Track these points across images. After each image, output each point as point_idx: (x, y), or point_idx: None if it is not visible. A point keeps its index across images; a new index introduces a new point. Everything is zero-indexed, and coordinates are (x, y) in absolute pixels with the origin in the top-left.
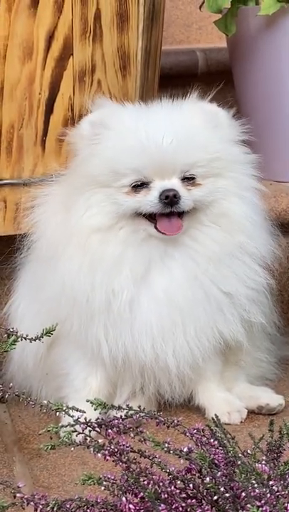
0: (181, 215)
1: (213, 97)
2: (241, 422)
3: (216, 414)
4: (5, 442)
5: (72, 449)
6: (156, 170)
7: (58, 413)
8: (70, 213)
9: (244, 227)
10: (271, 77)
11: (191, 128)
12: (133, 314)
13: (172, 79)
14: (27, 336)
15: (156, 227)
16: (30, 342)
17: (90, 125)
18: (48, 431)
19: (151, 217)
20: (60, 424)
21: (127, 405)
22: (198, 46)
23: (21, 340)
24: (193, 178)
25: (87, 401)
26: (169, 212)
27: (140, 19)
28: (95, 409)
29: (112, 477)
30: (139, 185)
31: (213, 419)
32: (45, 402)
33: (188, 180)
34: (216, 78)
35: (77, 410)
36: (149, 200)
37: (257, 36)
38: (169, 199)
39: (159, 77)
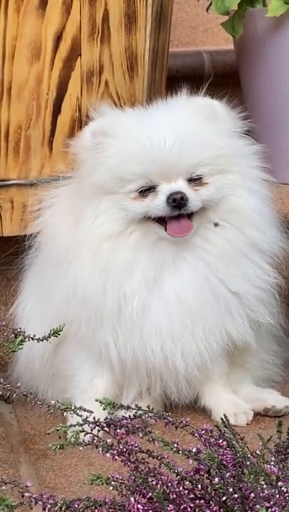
0: (190, 215)
1: (219, 98)
2: (247, 424)
3: (224, 415)
4: (11, 443)
5: (81, 448)
6: (162, 173)
7: (65, 413)
8: (79, 223)
9: (254, 220)
10: (278, 78)
11: (191, 128)
12: (144, 317)
13: (179, 81)
14: (34, 336)
15: (166, 230)
16: (38, 342)
17: (91, 135)
18: (57, 430)
19: (161, 220)
20: (68, 424)
21: (136, 405)
22: (205, 48)
23: (29, 340)
24: (199, 178)
25: (96, 400)
26: (178, 214)
27: (148, 20)
28: (104, 409)
29: (120, 477)
30: (146, 190)
31: (222, 419)
32: (53, 402)
33: (195, 180)
34: (222, 80)
35: (85, 410)
36: (157, 204)
37: (264, 38)
38: (177, 202)
39: (166, 79)
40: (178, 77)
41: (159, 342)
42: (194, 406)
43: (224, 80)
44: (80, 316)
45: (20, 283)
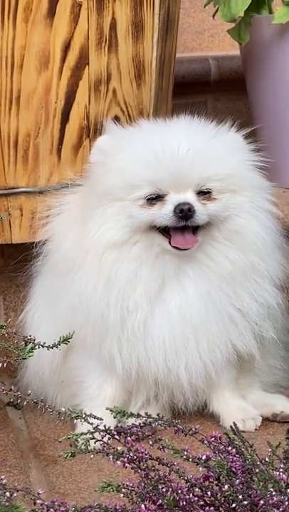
0: (195, 229)
1: (225, 103)
2: (256, 429)
3: (234, 422)
4: (21, 449)
5: (92, 456)
6: (172, 182)
7: (74, 420)
8: (85, 229)
9: (256, 247)
10: (284, 84)
11: (207, 141)
12: (146, 330)
13: (185, 87)
14: (44, 343)
15: (170, 243)
16: (48, 350)
17: (99, 151)
18: (69, 438)
19: (166, 232)
20: (79, 432)
21: (146, 413)
22: (210, 54)
23: (39, 347)
24: (209, 193)
25: (107, 409)
26: (184, 226)
27: (155, 29)
28: (115, 417)
29: (131, 484)
30: (154, 198)
31: (231, 427)
32: (63, 409)
33: (204, 194)
34: (228, 86)
35: (95, 417)
36: (164, 213)
37: (270, 45)
38: (184, 213)
39: (173, 86)
40: (184, 83)
41: (162, 355)
42: (202, 412)
43: (230, 85)
44: (85, 326)
45: (30, 290)
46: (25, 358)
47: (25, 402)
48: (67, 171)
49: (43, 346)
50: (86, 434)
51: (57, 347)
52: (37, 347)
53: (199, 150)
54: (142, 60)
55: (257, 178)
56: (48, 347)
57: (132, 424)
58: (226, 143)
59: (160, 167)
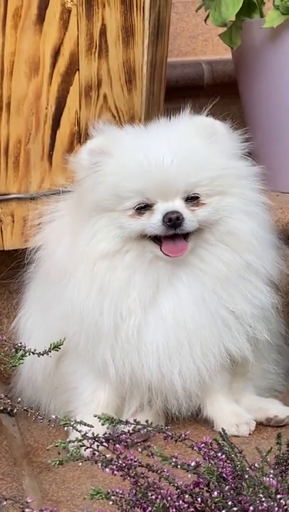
0: (186, 235)
1: (219, 108)
2: (250, 434)
3: (223, 429)
4: (14, 456)
5: (81, 463)
6: (159, 191)
7: (65, 428)
8: (76, 242)
9: (251, 245)
10: (276, 88)
11: (190, 147)
12: (140, 336)
13: (178, 91)
14: (35, 350)
15: (161, 250)
16: (39, 356)
17: (89, 154)
18: (56, 446)
19: (157, 239)
20: (67, 440)
21: (135, 420)
22: (204, 58)
23: (29, 355)
24: (196, 198)
25: (95, 416)
26: (173, 234)
27: (145, 34)
28: (103, 424)
29: (121, 491)
30: (143, 208)
31: (220, 433)
32: (54, 416)
33: (192, 200)
34: (221, 90)
35: (85, 425)
36: (153, 222)
37: (262, 48)
38: (172, 222)
39: (165, 90)
40: (177, 87)
41: (155, 360)
42: (196, 417)
43: (224, 89)
44: (78, 333)
45: (22, 296)
46: (15, 366)
47: (15, 410)
48: (58, 176)
49: (33, 353)
50: (74, 442)
51: (48, 354)
52: (28, 354)
53: (184, 157)
54: (132, 65)
55: (243, 166)
56: (39, 354)
57: (122, 431)
58: (209, 138)
59: (146, 178)
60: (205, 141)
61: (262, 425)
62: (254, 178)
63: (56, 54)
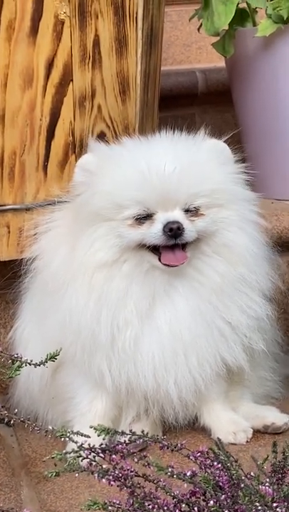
0: (184, 245)
1: (213, 116)
2: (247, 441)
3: (218, 438)
4: (12, 466)
5: (77, 474)
6: (159, 201)
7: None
8: (74, 251)
9: (245, 259)
10: (269, 96)
11: (193, 158)
12: (136, 347)
13: (173, 100)
14: (31, 361)
15: (160, 260)
16: (35, 367)
17: (82, 170)
18: (53, 458)
19: (155, 249)
20: (64, 451)
21: (130, 430)
22: (199, 66)
23: (26, 365)
24: (196, 209)
25: (91, 427)
26: (173, 244)
27: (139, 44)
28: (99, 435)
29: (118, 501)
30: (143, 217)
31: (216, 442)
32: (50, 427)
33: (192, 211)
34: (216, 98)
35: (81, 435)
36: (153, 232)
37: (255, 57)
38: (173, 232)
39: (158, 100)
40: (172, 96)
41: (151, 370)
42: (194, 425)
43: (218, 97)
44: (74, 343)
45: (19, 306)
46: (11, 377)
47: (12, 421)
48: (53, 187)
49: (30, 364)
50: (70, 453)
51: (44, 364)
52: (24, 365)
53: (185, 168)
54: (126, 75)
55: (243, 190)
56: (35, 365)
57: (118, 441)
58: (211, 155)
59: (147, 187)
60: (209, 157)
61: (259, 432)
62: (252, 202)
63: (50, 65)
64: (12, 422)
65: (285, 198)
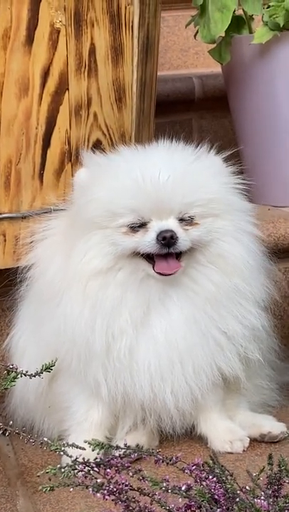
0: (178, 254)
1: (210, 121)
2: (244, 450)
3: (213, 451)
4: (8, 476)
5: (72, 489)
6: (154, 209)
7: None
8: (69, 259)
9: (240, 270)
10: (266, 103)
11: (189, 168)
12: (132, 356)
13: (170, 105)
14: (27, 372)
15: (154, 268)
16: (30, 378)
17: (79, 187)
18: (47, 472)
19: (150, 258)
20: (58, 465)
21: (125, 444)
22: (196, 71)
23: (21, 376)
24: (190, 219)
25: (85, 441)
26: (167, 253)
27: (135, 52)
28: (93, 450)
29: None
30: (137, 226)
31: (210, 456)
32: (46, 439)
33: (186, 220)
34: (212, 104)
35: (76, 447)
36: (147, 240)
37: (251, 64)
38: (167, 240)
39: (155, 107)
40: (169, 101)
41: (147, 380)
42: (191, 434)
43: (215, 103)
44: (70, 352)
45: (15, 314)
46: (7, 388)
47: (7, 433)
48: (49, 195)
49: (25, 375)
50: (65, 467)
51: (39, 375)
52: (20, 376)
53: (180, 176)
54: (122, 83)
55: (239, 201)
56: (31, 375)
57: (112, 455)
58: (207, 167)
59: (141, 195)
60: (205, 167)
61: (256, 441)
62: (248, 212)
63: (46, 74)
64: (7, 433)
65: (282, 205)
